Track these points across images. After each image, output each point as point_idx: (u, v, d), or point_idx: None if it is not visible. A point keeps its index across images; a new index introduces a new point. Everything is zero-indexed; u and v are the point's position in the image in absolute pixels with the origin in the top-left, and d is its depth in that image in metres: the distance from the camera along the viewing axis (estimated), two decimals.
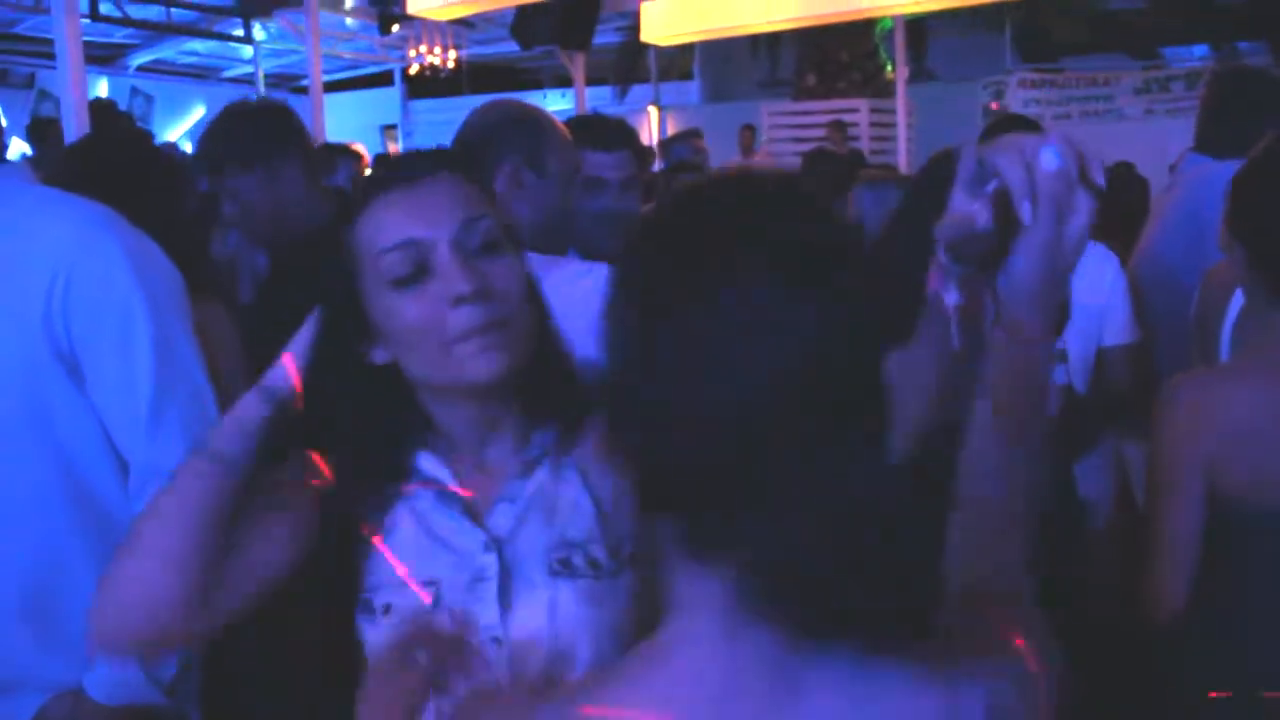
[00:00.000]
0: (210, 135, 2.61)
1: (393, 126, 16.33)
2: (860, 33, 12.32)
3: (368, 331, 1.25)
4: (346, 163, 4.15)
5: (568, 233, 2.16)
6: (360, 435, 1.28)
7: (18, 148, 8.48)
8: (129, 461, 1.68)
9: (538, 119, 2.08)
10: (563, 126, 2.15)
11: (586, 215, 2.28)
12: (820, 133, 11.53)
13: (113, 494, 1.68)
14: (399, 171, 1.25)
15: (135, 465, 1.67)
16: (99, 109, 5.77)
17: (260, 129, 2.55)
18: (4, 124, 6.34)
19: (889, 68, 12.74)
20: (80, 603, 1.61)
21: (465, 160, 1.31)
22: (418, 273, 1.19)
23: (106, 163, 2.24)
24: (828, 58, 12.91)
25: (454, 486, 1.27)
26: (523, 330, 1.24)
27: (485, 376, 1.19)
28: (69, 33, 4.54)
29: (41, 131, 6.41)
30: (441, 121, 15.55)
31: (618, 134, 2.40)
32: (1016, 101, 13.00)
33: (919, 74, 13.83)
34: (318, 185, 2.68)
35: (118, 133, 3.29)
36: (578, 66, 11.45)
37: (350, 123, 13.67)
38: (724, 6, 9.33)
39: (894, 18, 10.03)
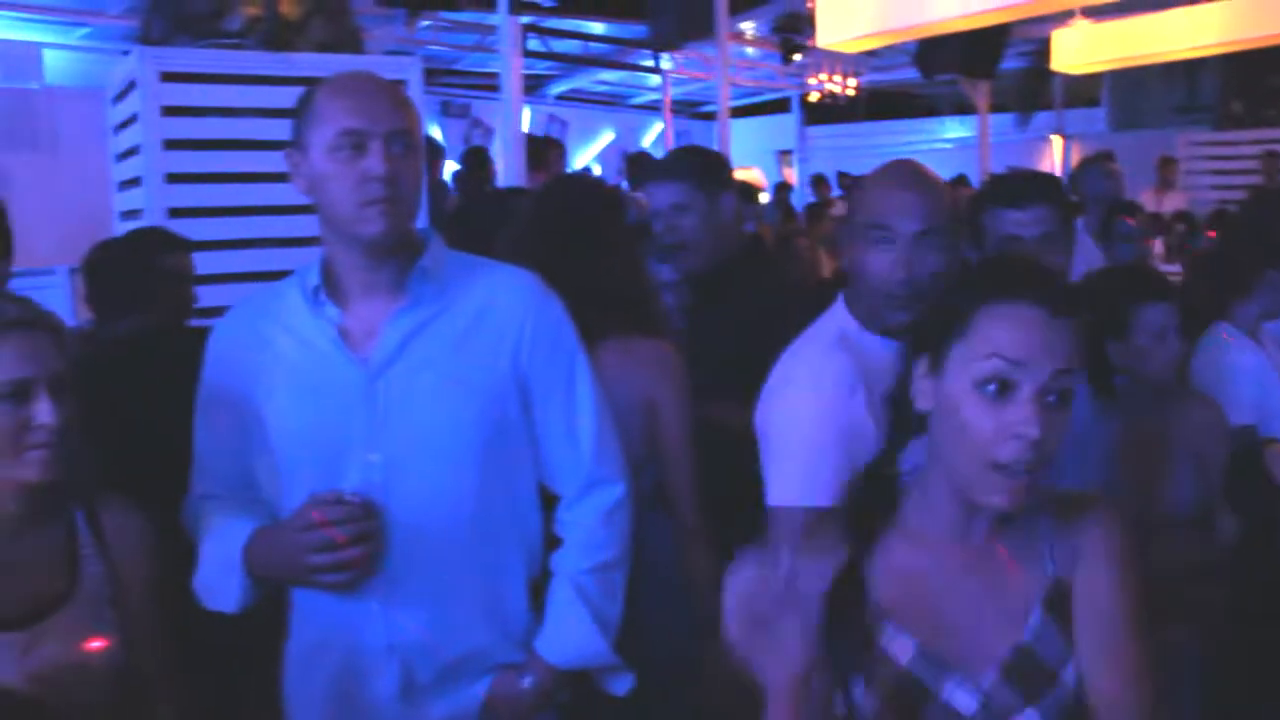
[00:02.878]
0: (660, 166, 2.84)
1: (788, 152, 16.58)
2: None
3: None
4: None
5: None
6: None
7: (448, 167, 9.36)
8: (562, 482, 1.94)
9: None
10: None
11: None
12: (1243, 165, 10.67)
13: (531, 509, 1.93)
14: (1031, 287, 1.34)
15: (577, 485, 1.93)
16: (538, 145, 6.31)
17: (709, 161, 2.77)
18: (445, 146, 6.96)
19: None
20: (518, 602, 1.88)
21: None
22: (1002, 389, 1.31)
23: (574, 207, 2.43)
24: (1257, 82, 11.89)
25: None
26: None
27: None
28: (513, 70, 4.97)
29: (473, 158, 7.10)
30: (837, 148, 15.67)
31: (1032, 189, 2.34)
32: None
33: None
34: (741, 217, 2.84)
35: (580, 180, 3.60)
36: (980, 94, 11.22)
37: (748, 148, 14.03)
38: (1143, 32, 8.86)
39: None
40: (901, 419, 1.45)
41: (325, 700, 1.84)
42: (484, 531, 1.84)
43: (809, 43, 8.64)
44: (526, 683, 1.86)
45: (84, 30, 10.31)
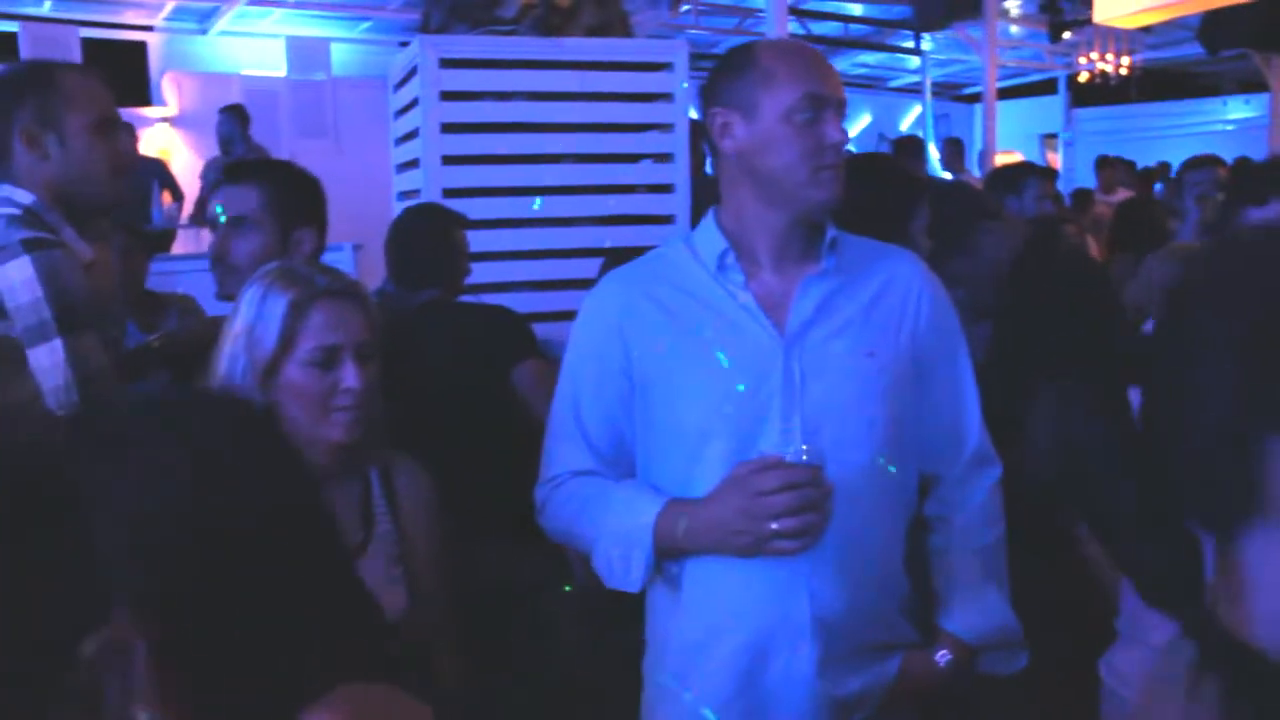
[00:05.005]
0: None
1: (1053, 135, 15.87)
2: None
3: None
4: (1034, 182, 4.03)
5: None
6: None
7: None
8: (945, 461, 1.92)
9: None
10: None
11: None
12: None
13: (914, 485, 1.91)
14: None
15: (961, 463, 1.92)
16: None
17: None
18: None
19: None
20: (904, 577, 1.86)
21: None
22: None
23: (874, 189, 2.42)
24: None
25: None
26: None
27: None
28: None
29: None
30: (1106, 131, 14.90)
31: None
32: None
33: None
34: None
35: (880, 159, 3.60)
36: (1274, 70, 10.44)
37: (1010, 131, 13.53)
38: None
39: None
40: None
41: (731, 678, 1.78)
42: (886, 503, 1.83)
43: (1082, 19, 8.20)
44: (943, 660, 1.84)
45: (366, 24, 10.94)
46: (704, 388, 1.77)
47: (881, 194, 2.38)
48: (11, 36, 9.52)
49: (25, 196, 2.16)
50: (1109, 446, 1.78)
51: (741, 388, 1.75)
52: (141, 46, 10.46)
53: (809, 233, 1.82)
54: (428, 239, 3.18)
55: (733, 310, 1.79)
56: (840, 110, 1.76)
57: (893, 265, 1.89)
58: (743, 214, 1.82)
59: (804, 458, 1.67)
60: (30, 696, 0.64)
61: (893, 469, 1.82)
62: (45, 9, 9.85)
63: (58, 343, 2.06)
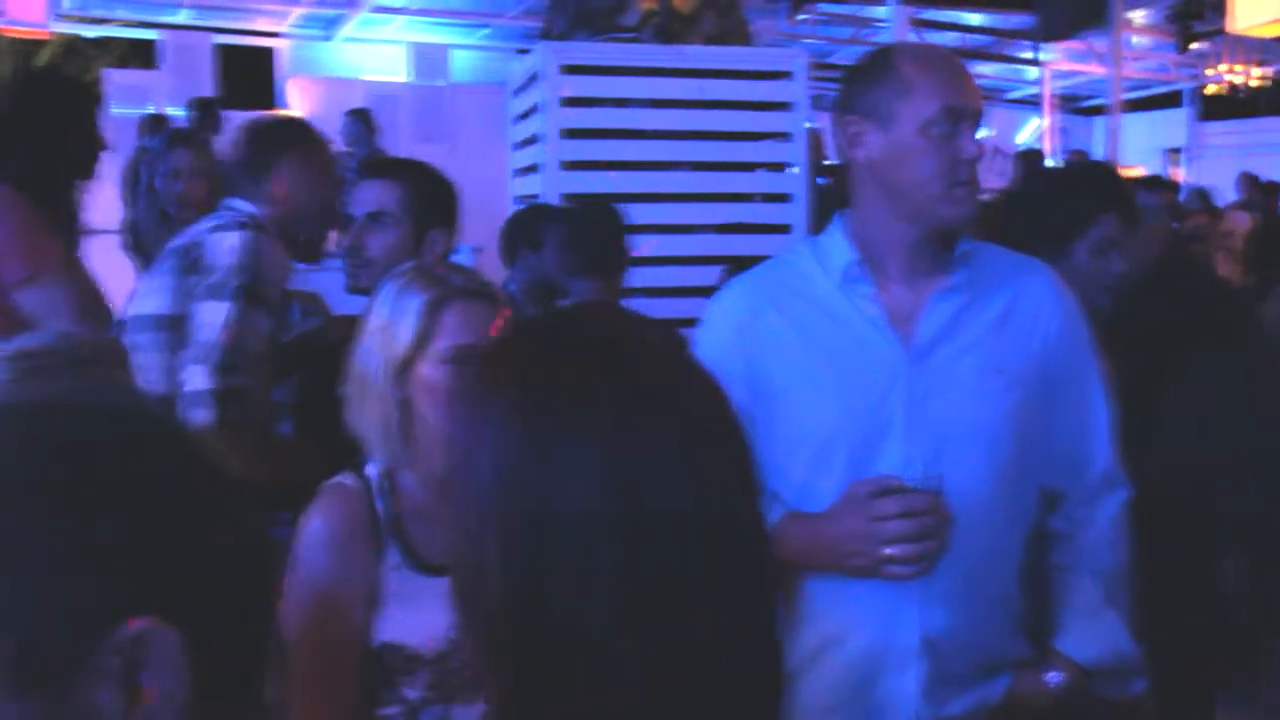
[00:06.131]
0: None
1: (1177, 150, 15.42)
2: None
3: None
4: (1150, 194, 3.95)
5: None
6: None
7: None
8: (1073, 479, 1.86)
9: None
10: None
11: None
12: None
13: (1034, 504, 1.86)
14: None
15: (1091, 483, 1.87)
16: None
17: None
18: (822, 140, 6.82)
19: None
20: (1019, 596, 1.82)
21: None
22: None
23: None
24: None
25: None
26: None
27: None
28: None
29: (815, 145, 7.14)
30: (1235, 145, 14.42)
31: None
32: None
33: None
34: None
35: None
36: None
37: (1132, 145, 13.18)
38: None
39: None
40: None
41: (837, 693, 1.76)
42: (1003, 522, 1.78)
43: (1213, 29, 7.97)
44: (1054, 681, 1.80)
45: (485, 31, 11.12)
46: (826, 401, 1.74)
47: (1043, 216, 2.33)
48: (151, 43, 10.02)
49: (250, 207, 2.40)
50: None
51: (867, 405, 1.72)
52: (270, 52, 10.84)
53: (940, 245, 1.78)
54: (611, 231, 3.12)
55: (859, 323, 1.76)
56: (976, 121, 1.72)
57: (1024, 277, 1.84)
58: (872, 224, 1.79)
59: (924, 483, 1.64)
60: (61, 665, 0.65)
61: (1013, 488, 1.77)
62: (182, 18, 10.27)
63: (227, 305, 2.21)
